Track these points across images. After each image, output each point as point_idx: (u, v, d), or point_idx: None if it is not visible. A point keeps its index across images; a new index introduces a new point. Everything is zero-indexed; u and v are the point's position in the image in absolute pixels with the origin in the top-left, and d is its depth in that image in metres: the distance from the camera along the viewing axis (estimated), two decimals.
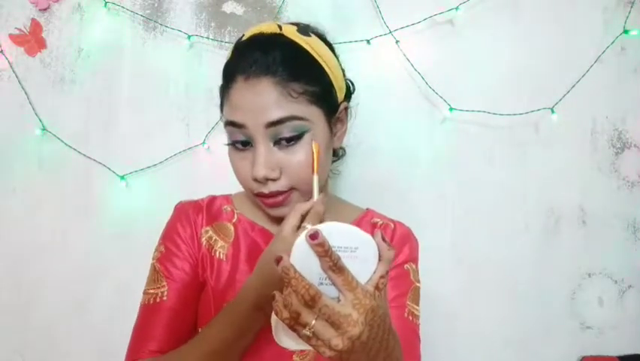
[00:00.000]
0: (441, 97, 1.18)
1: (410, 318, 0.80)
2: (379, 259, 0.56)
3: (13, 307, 1.24)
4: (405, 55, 1.17)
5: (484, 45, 1.20)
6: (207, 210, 0.85)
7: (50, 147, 1.23)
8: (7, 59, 1.23)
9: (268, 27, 0.77)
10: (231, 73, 0.74)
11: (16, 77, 1.23)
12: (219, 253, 0.82)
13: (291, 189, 0.74)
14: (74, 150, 1.22)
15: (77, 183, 1.23)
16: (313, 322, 0.53)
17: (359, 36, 1.17)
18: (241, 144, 0.74)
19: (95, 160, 1.22)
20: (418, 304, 0.83)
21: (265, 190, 0.74)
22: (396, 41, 1.17)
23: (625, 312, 1.22)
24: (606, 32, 1.19)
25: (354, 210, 0.90)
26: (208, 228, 0.83)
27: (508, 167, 1.21)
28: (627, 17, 1.18)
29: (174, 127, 1.22)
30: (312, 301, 0.52)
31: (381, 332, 0.56)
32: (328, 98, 0.77)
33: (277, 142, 0.72)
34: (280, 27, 0.77)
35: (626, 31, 1.18)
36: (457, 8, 1.16)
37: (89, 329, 1.22)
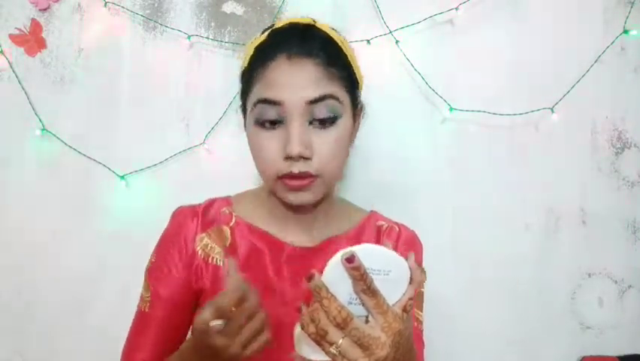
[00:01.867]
0: (441, 97, 1.18)
1: (416, 324, 0.81)
2: (410, 282, 0.56)
3: (13, 307, 1.24)
4: (405, 55, 1.17)
5: (484, 45, 1.20)
6: (203, 215, 0.83)
7: (50, 147, 1.23)
8: (7, 59, 1.23)
9: (303, 19, 0.79)
10: (269, 52, 0.74)
11: (16, 77, 1.23)
12: (216, 259, 0.81)
13: (317, 176, 0.73)
14: (74, 150, 1.22)
15: (77, 183, 1.23)
16: (340, 341, 0.54)
17: (359, 36, 1.17)
18: (270, 123, 0.73)
19: (95, 160, 1.22)
20: (422, 310, 0.84)
21: (295, 170, 0.72)
22: (396, 41, 1.17)
23: (625, 312, 1.22)
24: (606, 32, 1.19)
25: (358, 211, 0.90)
26: (203, 235, 0.82)
27: (508, 167, 1.21)
28: (627, 17, 1.18)
29: (174, 127, 1.22)
30: (343, 323, 0.53)
31: (406, 351, 0.57)
32: (355, 90, 0.79)
33: (311, 123, 0.72)
34: (314, 20, 0.79)
35: (626, 31, 1.18)
36: (457, 8, 1.16)
37: (89, 329, 1.22)
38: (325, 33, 0.77)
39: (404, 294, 0.56)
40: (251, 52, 0.78)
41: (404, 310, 0.56)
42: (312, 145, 0.72)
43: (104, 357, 1.20)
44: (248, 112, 0.77)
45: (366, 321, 0.55)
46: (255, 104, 0.74)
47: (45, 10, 1.23)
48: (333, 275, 0.54)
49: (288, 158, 0.71)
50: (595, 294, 1.22)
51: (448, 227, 1.21)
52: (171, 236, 0.83)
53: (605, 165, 1.21)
